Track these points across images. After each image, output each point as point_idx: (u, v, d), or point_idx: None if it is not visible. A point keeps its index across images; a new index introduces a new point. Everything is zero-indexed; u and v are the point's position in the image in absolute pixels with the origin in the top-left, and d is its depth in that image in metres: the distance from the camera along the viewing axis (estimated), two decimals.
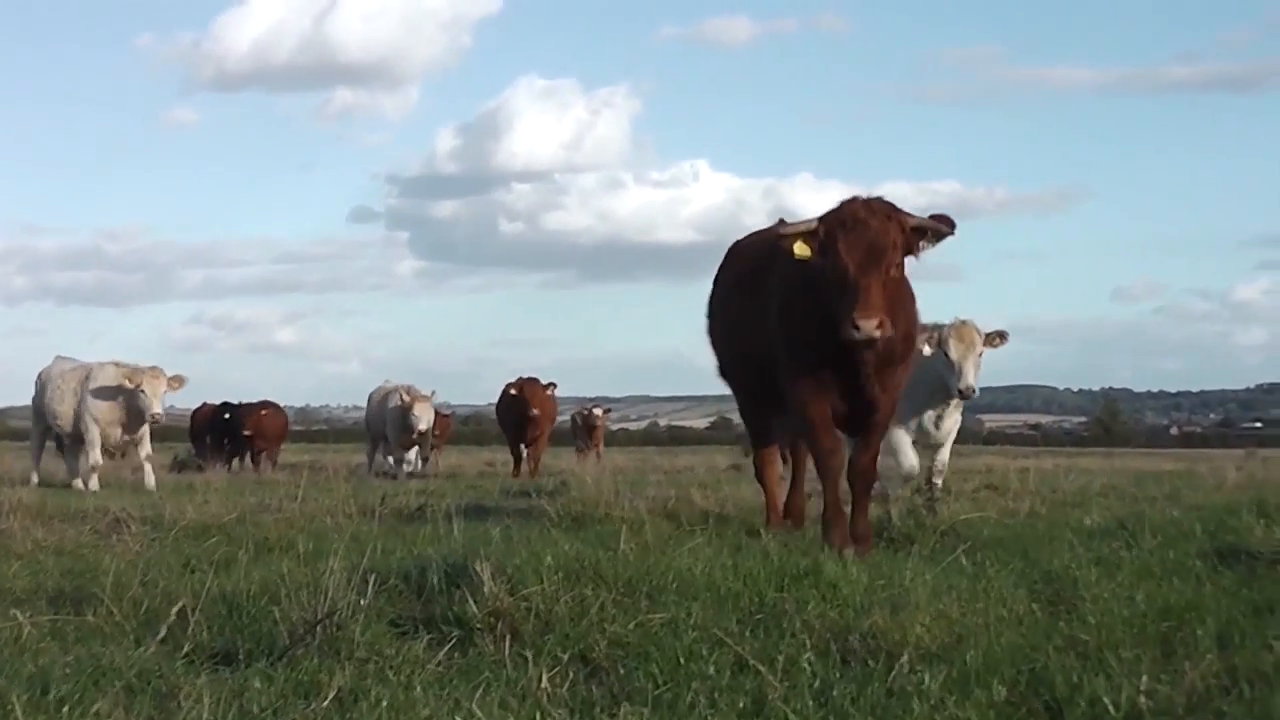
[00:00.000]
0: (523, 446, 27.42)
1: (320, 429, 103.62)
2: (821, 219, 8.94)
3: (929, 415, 14.36)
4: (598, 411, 36.84)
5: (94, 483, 20.45)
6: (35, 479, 20.79)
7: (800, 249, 8.90)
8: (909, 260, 9.00)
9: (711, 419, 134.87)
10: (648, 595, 6.22)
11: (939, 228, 9.01)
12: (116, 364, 21.25)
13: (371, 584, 6.23)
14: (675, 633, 5.67)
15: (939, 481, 14.40)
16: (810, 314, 9.11)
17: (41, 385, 22.18)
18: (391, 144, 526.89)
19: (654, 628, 5.74)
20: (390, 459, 27.08)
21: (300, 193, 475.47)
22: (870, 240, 8.71)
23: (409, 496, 13.95)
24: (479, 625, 5.84)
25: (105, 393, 20.95)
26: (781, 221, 10.10)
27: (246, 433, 30.43)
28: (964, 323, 13.95)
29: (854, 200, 9.00)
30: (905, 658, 5.35)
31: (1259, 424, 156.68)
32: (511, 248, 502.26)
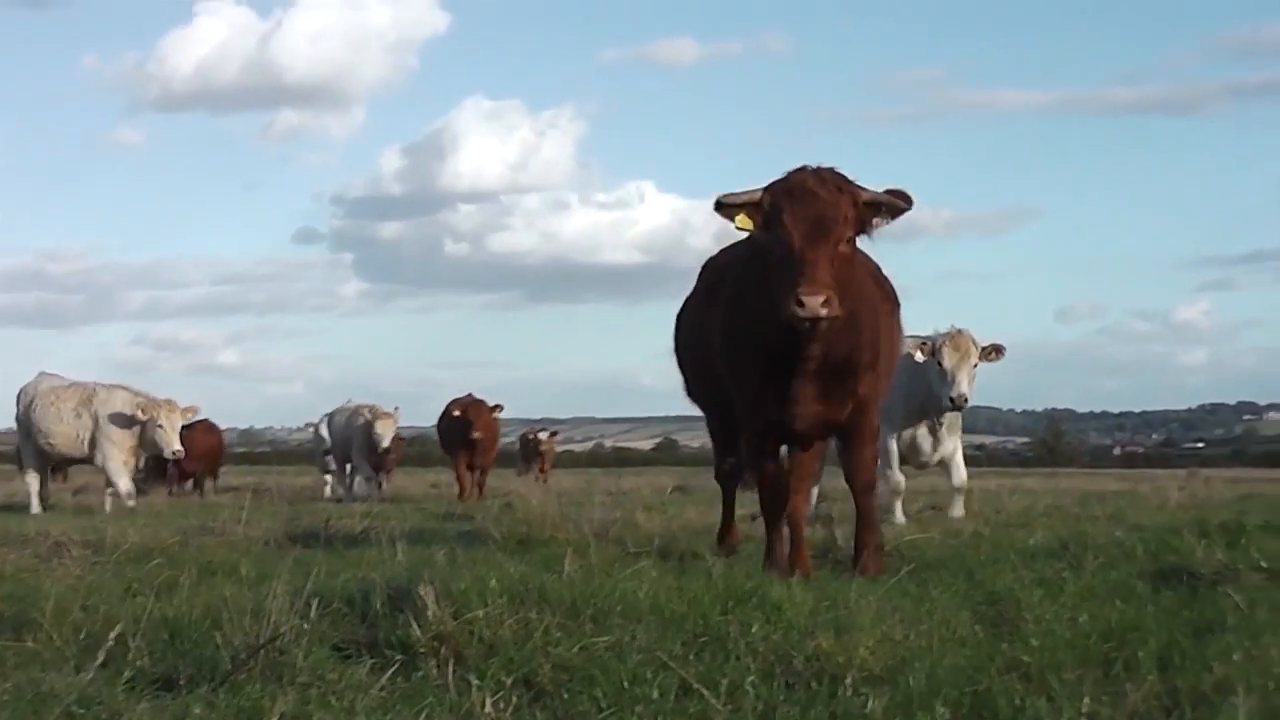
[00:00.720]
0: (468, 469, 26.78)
1: (264, 451, 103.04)
2: (766, 189, 8.38)
3: (922, 432, 14.43)
4: (543, 435, 36.80)
5: (130, 503, 19.82)
6: (36, 504, 20.36)
7: (742, 221, 8.40)
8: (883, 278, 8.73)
9: (656, 440, 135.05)
10: (592, 618, 6.21)
11: (895, 203, 8.47)
12: (125, 389, 20.81)
13: (315, 608, 6.20)
14: (620, 656, 5.66)
15: (959, 500, 14.61)
16: (753, 316, 8.65)
17: (29, 402, 21.23)
18: (336, 165, 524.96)
19: (598, 651, 5.73)
20: (357, 480, 27.04)
21: (245, 213, 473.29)
22: (819, 211, 8.14)
23: (353, 519, 13.88)
24: (423, 649, 5.82)
25: (120, 420, 20.41)
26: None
27: None
28: (960, 331, 13.99)
29: (802, 170, 8.42)
30: (849, 680, 5.35)
31: (1201, 444, 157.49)
32: (457, 269, 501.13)
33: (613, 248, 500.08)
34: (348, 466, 27.96)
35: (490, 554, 9.00)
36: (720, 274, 9.79)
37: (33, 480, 20.90)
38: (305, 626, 5.97)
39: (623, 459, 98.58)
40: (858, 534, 9.13)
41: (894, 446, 14.33)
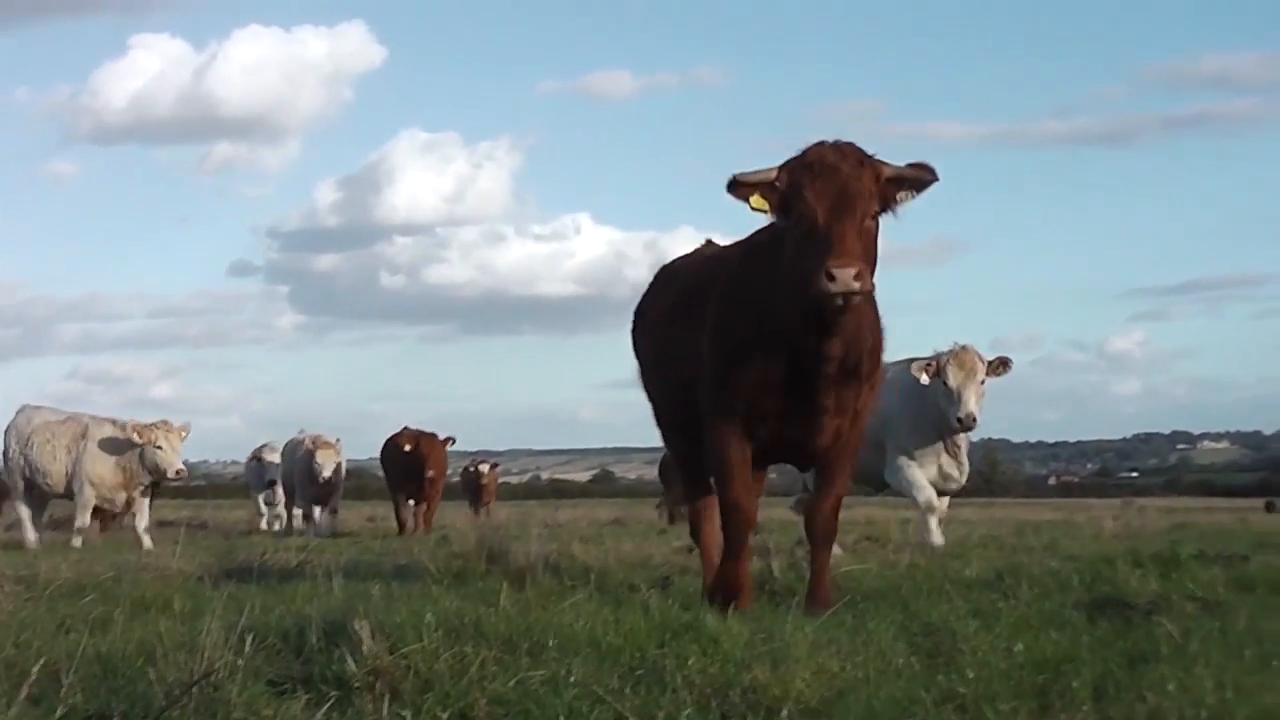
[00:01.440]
0: (410, 503, 25.80)
1: (199, 484, 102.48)
2: (783, 166, 7.87)
3: (946, 459, 13.97)
4: (484, 467, 36.66)
5: (77, 541, 19.27)
6: (32, 536, 20.06)
7: (758, 202, 7.89)
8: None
9: (593, 472, 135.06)
10: (528, 652, 6.19)
11: (920, 176, 7.94)
12: (114, 422, 20.28)
13: (249, 643, 6.17)
14: (556, 690, 5.64)
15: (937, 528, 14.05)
16: (753, 324, 8.16)
17: (19, 438, 20.68)
18: (272, 197, 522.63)
19: (534, 685, 5.71)
20: (317, 513, 25.98)
21: (179, 246, 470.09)
22: (842, 185, 7.63)
23: (289, 553, 13.81)
24: (358, 684, 5.78)
25: (109, 449, 19.94)
26: (709, 242, 9.80)
27: None
28: (964, 348, 13.57)
29: (820, 144, 7.89)
30: (785, 712, 5.36)
31: (1135, 473, 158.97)
32: (393, 301, 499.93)
33: (549, 280, 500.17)
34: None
35: (426, 588, 8.97)
36: (687, 286, 9.22)
37: (24, 511, 20.55)
38: (240, 662, 5.93)
39: (560, 491, 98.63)
40: (811, 575, 8.63)
41: (917, 470, 13.92)
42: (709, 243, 9.61)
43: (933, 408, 13.74)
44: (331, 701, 5.64)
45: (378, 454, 27.65)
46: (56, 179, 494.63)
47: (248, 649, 6.10)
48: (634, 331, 10.16)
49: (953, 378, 13.32)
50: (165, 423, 19.89)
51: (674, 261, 10.16)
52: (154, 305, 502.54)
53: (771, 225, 8.10)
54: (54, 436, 20.26)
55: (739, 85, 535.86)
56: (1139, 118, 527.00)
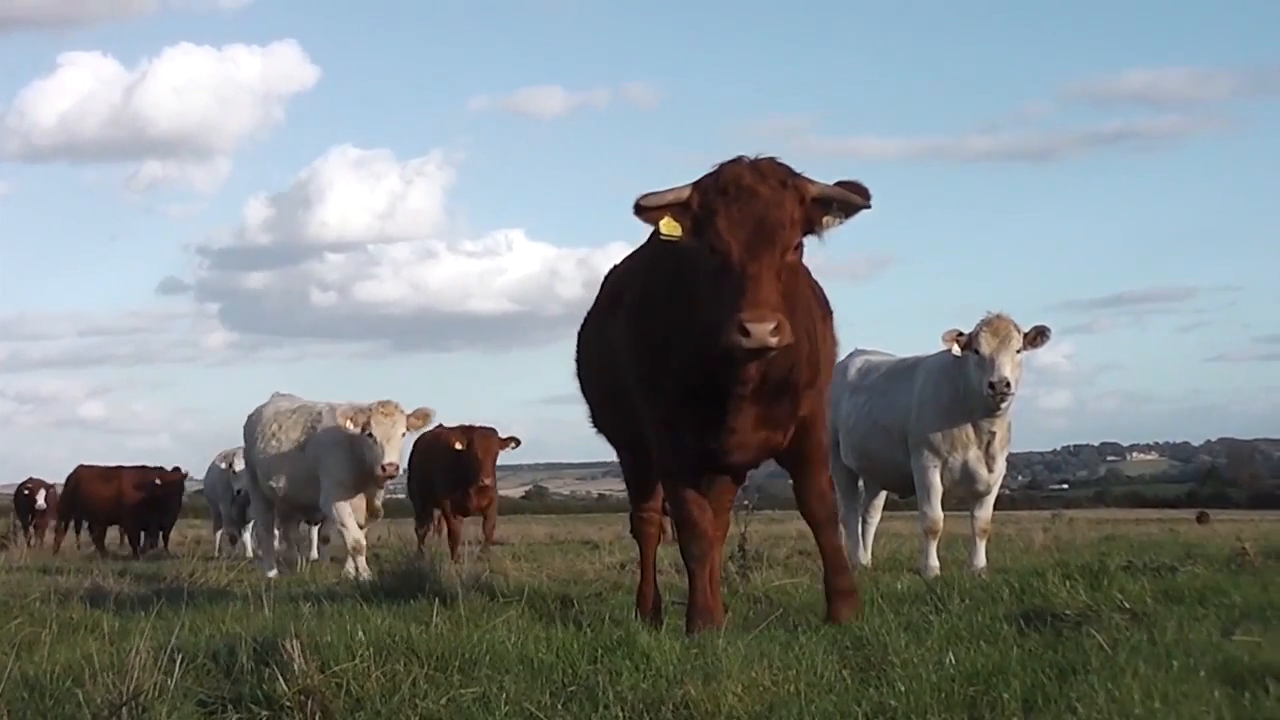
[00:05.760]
0: (435, 514, 21.33)
1: None
2: (696, 185, 7.08)
3: (974, 455, 12.82)
4: None
5: (362, 567, 15.12)
6: (273, 571, 16.35)
7: (668, 226, 7.06)
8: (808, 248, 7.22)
9: (525, 488, 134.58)
10: (460, 669, 6.18)
11: (849, 198, 7.13)
12: (349, 408, 16.18)
13: (179, 663, 6.14)
14: (487, 707, 5.64)
15: (981, 545, 13.12)
16: (669, 331, 7.54)
17: (250, 432, 17.24)
18: (202, 215, 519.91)
19: (466, 703, 5.70)
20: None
21: (108, 265, 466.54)
22: (760, 213, 6.84)
23: (219, 573, 13.74)
24: (289, 704, 5.76)
25: (334, 440, 16.13)
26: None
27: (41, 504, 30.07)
28: (998, 315, 12.47)
29: (738, 161, 7.09)
30: None
31: (1065, 485, 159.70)
32: (324, 318, 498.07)
33: (481, 296, 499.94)
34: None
35: (357, 606, 8.93)
36: (620, 284, 8.58)
37: (263, 533, 17.64)
38: (169, 683, 5.91)
39: None
40: (826, 577, 8.20)
41: (935, 480, 12.86)
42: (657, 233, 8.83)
43: (963, 385, 12.64)
44: None
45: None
46: None
47: (177, 669, 6.07)
48: (579, 334, 9.46)
49: (985, 345, 12.25)
50: (386, 404, 15.91)
51: (621, 263, 9.29)
52: (83, 324, 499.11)
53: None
54: (281, 427, 16.71)
55: (669, 101, 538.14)
56: (1064, 134, 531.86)
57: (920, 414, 12.94)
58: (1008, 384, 12.18)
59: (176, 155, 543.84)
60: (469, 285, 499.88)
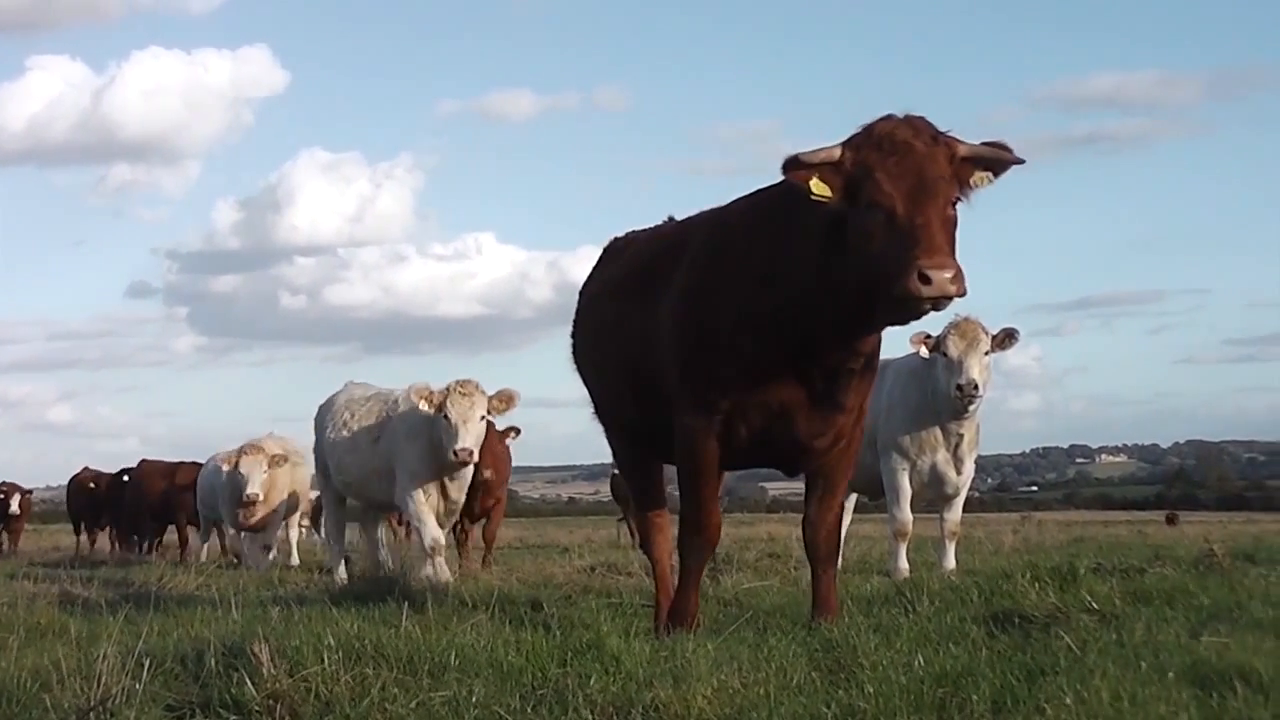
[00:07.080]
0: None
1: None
2: (846, 143, 6.80)
3: (942, 457, 12.80)
4: None
5: (441, 568, 13.56)
6: (342, 571, 15.05)
7: (819, 187, 6.70)
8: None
9: None
10: (429, 673, 6.18)
11: (1000, 155, 6.93)
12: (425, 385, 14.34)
13: (147, 668, 6.13)
14: (457, 711, 5.63)
15: (951, 546, 13.14)
16: (749, 301, 7.26)
17: (320, 422, 15.71)
18: (171, 219, 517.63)
19: (435, 706, 5.70)
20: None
21: (77, 269, 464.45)
22: (919, 165, 6.60)
23: (188, 577, 13.70)
24: (257, 708, 5.75)
25: (413, 429, 14.50)
26: (671, 219, 8.77)
27: None
28: (966, 318, 12.35)
29: (889, 117, 6.85)
30: None
31: (1034, 487, 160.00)
32: (293, 321, 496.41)
33: (451, 299, 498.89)
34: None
35: (326, 610, 8.91)
36: (643, 262, 8.28)
37: (334, 535, 16.16)
38: (137, 687, 5.90)
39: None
40: (812, 614, 7.93)
41: (904, 482, 12.83)
42: (670, 219, 8.67)
43: (931, 387, 12.62)
44: None
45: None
46: None
47: (145, 674, 6.06)
48: (576, 313, 9.16)
49: (954, 348, 12.21)
50: (465, 383, 14.17)
51: (626, 236, 9.11)
52: (51, 328, 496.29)
53: (781, 183, 7.02)
54: (353, 415, 15.19)
55: (639, 105, 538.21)
56: (1031, 138, 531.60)
57: (888, 417, 12.89)
58: (976, 386, 12.17)
59: (145, 159, 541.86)
60: (439, 289, 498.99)
